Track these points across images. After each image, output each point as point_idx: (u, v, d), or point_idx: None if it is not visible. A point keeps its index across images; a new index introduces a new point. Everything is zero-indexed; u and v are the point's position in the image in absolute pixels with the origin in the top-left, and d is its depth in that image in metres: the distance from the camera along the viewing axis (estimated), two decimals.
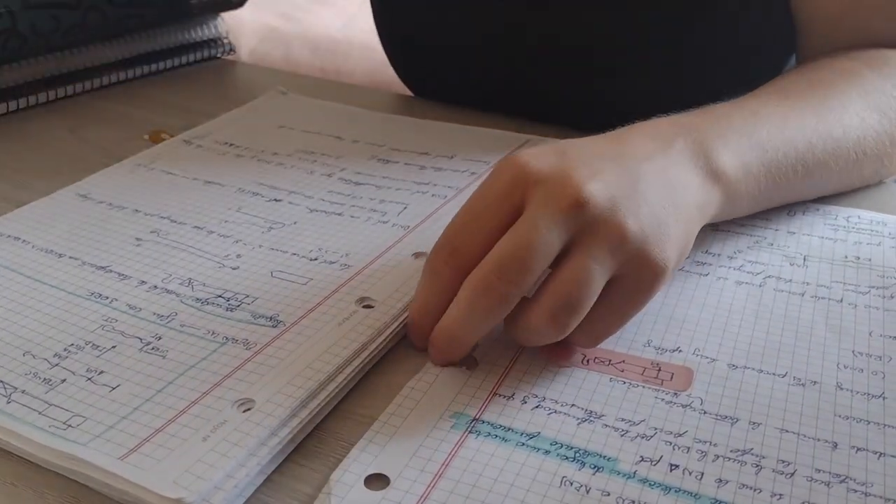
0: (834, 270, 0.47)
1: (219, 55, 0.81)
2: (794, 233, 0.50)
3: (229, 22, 0.82)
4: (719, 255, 0.48)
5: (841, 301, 0.44)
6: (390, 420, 0.36)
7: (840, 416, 0.37)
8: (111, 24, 0.71)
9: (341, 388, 0.37)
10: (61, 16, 0.67)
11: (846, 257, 0.48)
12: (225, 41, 0.81)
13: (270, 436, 0.34)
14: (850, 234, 0.50)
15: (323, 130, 0.63)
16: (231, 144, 0.61)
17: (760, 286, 0.45)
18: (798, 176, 0.49)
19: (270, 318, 0.41)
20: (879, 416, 0.37)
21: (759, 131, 0.47)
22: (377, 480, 0.33)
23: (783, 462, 0.34)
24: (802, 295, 0.45)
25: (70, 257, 0.47)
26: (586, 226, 0.37)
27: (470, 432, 0.36)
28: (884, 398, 0.38)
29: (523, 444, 0.35)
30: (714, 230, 0.50)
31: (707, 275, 0.46)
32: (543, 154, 0.40)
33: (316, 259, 0.46)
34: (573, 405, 0.37)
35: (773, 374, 0.39)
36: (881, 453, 0.35)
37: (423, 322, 0.39)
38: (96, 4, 0.69)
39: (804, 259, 0.48)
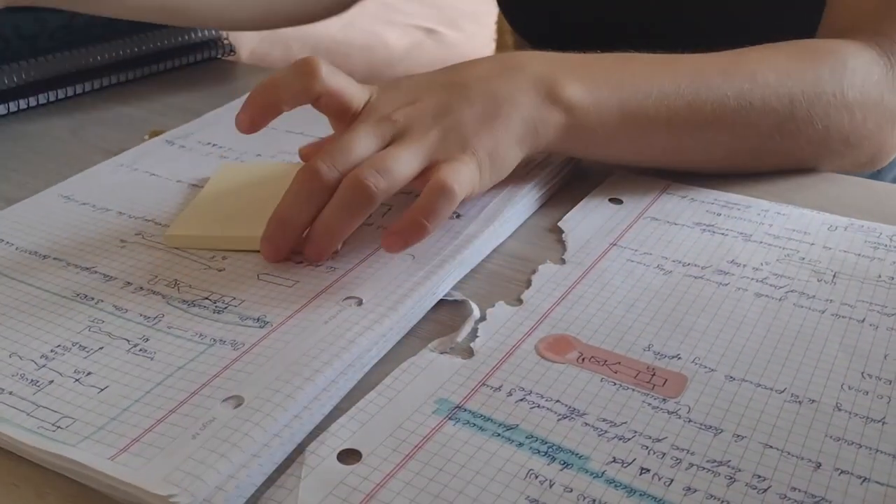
0: (863, 289, 0.45)
1: (219, 56, 0.81)
2: (830, 248, 0.49)
3: None
4: (745, 265, 0.47)
5: (862, 321, 0.43)
6: (375, 400, 0.37)
7: (831, 437, 0.36)
8: (99, 26, 0.71)
9: (339, 384, 0.38)
10: (47, 18, 0.67)
11: (879, 277, 0.46)
12: (225, 42, 0.82)
13: (273, 437, 0.34)
14: (889, 254, 0.48)
15: (306, 131, 0.62)
16: (214, 145, 0.61)
17: (780, 300, 0.44)
18: (662, 118, 0.52)
19: (258, 320, 0.42)
20: (874, 440, 0.35)
21: (622, 72, 0.52)
22: (351, 455, 0.35)
23: (759, 477, 0.34)
24: (823, 312, 0.43)
25: (54, 258, 0.47)
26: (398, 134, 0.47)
27: (449, 419, 0.36)
28: (883, 423, 0.36)
29: (499, 434, 0.36)
30: (746, 240, 0.49)
31: (727, 284, 0.45)
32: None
33: (301, 262, 0.46)
34: (558, 401, 0.37)
35: (771, 389, 0.38)
36: (865, 478, 0.34)
37: (289, 223, 0.45)
38: None
39: (834, 276, 0.46)
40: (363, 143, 0.46)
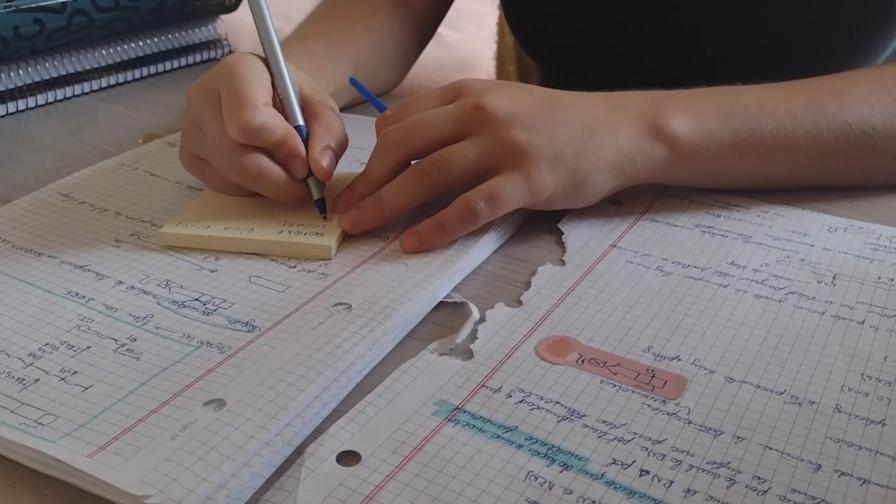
0: (863, 291, 0.45)
1: (219, 57, 0.82)
2: (830, 250, 0.49)
3: (228, 24, 0.83)
4: (744, 267, 0.47)
5: (862, 323, 0.43)
6: (375, 401, 0.37)
7: (831, 439, 0.36)
8: (97, 28, 0.71)
9: (334, 390, 0.37)
10: (46, 19, 0.67)
11: (879, 278, 0.46)
12: (224, 43, 0.82)
13: (265, 445, 0.34)
14: (889, 255, 0.48)
15: None
16: None
17: (780, 302, 0.44)
18: (781, 146, 0.51)
19: (246, 324, 0.41)
20: (874, 442, 0.35)
21: (732, 103, 0.51)
22: (350, 457, 0.34)
23: (759, 479, 0.34)
24: (822, 314, 0.43)
25: (49, 256, 0.47)
26: (480, 126, 0.47)
27: (449, 420, 0.36)
28: (883, 425, 0.36)
29: (498, 436, 0.36)
30: (746, 242, 0.49)
31: (727, 286, 0.45)
32: (491, 84, 0.50)
33: (294, 267, 0.46)
34: (557, 403, 0.37)
35: (771, 390, 0.38)
36: (865, 480, 0.34)
37: (360, 187, 0.49)
38: (82, 8, 0.69)
39: (834, 277, 0.46)
40: (441, 126, 0.48)
